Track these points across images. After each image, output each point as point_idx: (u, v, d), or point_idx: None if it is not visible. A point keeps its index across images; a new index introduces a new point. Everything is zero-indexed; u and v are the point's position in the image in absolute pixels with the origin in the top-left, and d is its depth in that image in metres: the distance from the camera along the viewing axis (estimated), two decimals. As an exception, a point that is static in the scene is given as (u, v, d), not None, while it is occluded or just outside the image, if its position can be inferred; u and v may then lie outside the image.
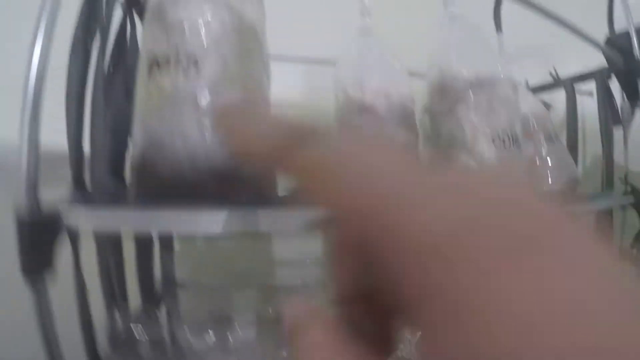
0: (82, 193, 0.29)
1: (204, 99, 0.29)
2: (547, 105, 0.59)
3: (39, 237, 0.23)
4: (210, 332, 0.50)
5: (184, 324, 0.49)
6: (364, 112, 0.46)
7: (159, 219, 0.24)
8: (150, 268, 0.41)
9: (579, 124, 0.64)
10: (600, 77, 0.53)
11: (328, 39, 0.56)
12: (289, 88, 0.64)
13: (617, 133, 0.60)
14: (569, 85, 0.59)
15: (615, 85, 0.56)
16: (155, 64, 0.30)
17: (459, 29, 0.46)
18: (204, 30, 0.30)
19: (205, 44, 0.29)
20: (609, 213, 0.54)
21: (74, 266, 0.29)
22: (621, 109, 0.57)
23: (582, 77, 0.58)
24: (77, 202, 0.26)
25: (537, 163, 0.50)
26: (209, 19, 0.30)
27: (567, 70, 0.63)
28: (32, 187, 0.23)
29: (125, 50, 0.39)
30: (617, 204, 0.44)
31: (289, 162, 0.13)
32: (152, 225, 0.25)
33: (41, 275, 0.23)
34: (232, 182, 0.29)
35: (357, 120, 0.46)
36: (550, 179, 0.50)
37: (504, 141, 0.41)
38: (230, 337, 0.50)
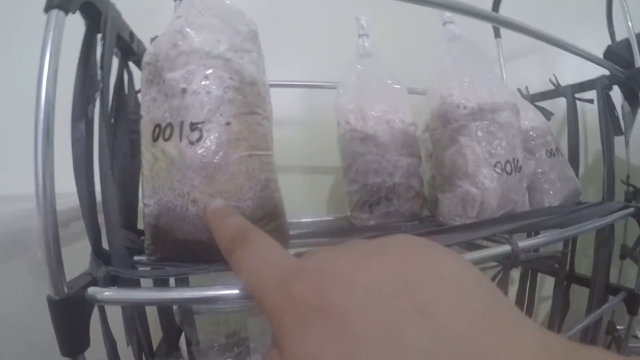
0: (101, 259, 0.29)
1: (210, 161, 0.30)
2: (548, 114, 0.59)
3: (71, 316, 0.24)
4: (228, 357, 0.52)
5: (203, 349, 0.51)
6: (366, 140, 0.46)
7: (181, 296, 0.25)
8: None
9: (580, 125, 0.64)
10: (600, 86, 0.53)
11: (327, 61, 0.56)
12: (289, 107, 0.64)
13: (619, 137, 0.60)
14: (570, 93, 0.58)
15: (615, 89, 0.56)
16: (158, 128, 0.30)
17: (458, 51, 0.46)
18: (204, 94, 0.30)
19: (206, 108, 0.30)
20: (609, 226, 0.55)
21: (103, 328, 0.30)
22: (622, 113, 0.57)
23: (583, 86, 0.57)
24: (99, 276, 0.27)
25: (539, 179, 0.50)
26: (209, 82, 0.30)
27: (567, 73, 0.62)
28: (57, 271, 0.24)
29: (124, 100, 0.39)
30: (618, 218, 0.45)
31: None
32: (175, 302, 0.26)
33: (80, 355, 0.24)
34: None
35: (359, 149, 0.46)
36: (552, 194, 0.50)
37: (505, 167, 0.41)
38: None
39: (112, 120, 0.38)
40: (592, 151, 0.79)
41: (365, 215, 0.46)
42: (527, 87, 0.66)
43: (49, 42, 0.26)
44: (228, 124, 0.30)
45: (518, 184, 0.42)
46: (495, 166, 0.40)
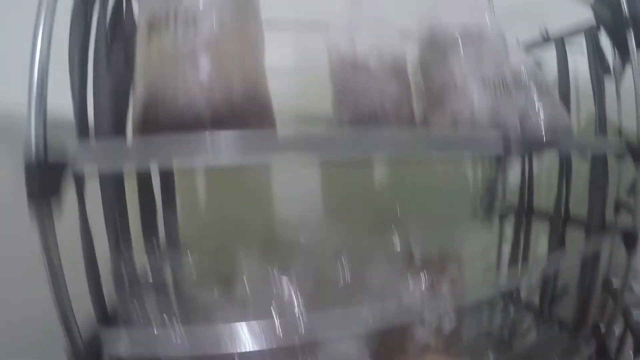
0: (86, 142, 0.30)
1: (203, 56, 0.30)
2: (538, 64, 0.60)
3: (46, 176, 0.24)
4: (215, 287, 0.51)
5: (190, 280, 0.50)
6: (357, 69, 0.47)
7: (164, 147, 0.25)
8: (154, 221, 0.43)
9: (572, 83, 0.65)
10: (589, 32, 0.54)
11: (320, 2, 0.57)
12: (282, 55, 0.65)
13: (609, 88, 0.61)
14: (559, 41, 0.59)
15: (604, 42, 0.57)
16: (155, 24, 0.31)
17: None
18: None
19: (201, 2, 0.30)
20: (603, 162, 0.55)
21: (80, 212, 0.30)
22: (612, 63, 0.57)
23: (572, 33, 0.58)
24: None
25: (529, 112, 0.51)
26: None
27: (557, 26, 0.63)
28: (41, 132, 0.24)
29: (122, 18, 0.40)
30: (612, 150, 0.46)
31: None
32: (157, 154, 0.26)
33: (48, 210, 0.24)
34: (232, 124, 0.31)
35: (350, 79, 0.47)
36: (543, 128, 0.50)
37: (494, 87, 0.42)
38: (234, 292, 0.51)
39: (109, 37, 0.38)
40: (584, 107, 0.78)
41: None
42: (517, 39, 0.67)
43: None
44: (222, 21, 0.31)
45: (508, 105, 0.42)
46: (484, 83, 0.40)
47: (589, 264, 0.55)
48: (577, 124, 0.78)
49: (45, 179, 0.24)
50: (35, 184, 0.24)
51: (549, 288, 0.61)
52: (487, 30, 0.44)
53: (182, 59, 0.30)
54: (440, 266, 0.51)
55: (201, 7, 0.31)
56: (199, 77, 0.30)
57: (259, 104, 0.33)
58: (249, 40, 0.34)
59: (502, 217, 0.70)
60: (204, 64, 0.30)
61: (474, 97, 0.40)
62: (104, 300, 0.32)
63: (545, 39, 0.63)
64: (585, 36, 0.55)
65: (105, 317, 0.32)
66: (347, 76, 0.47)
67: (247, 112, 0.32)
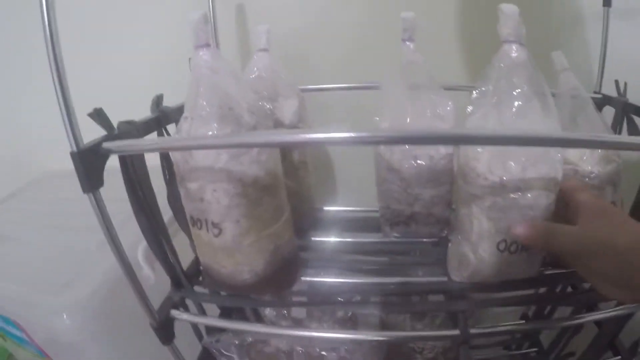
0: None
1: (229, 247, 0.38)
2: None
3: (87, 162, 0.31)
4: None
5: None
6: (391, 171, 0.47)
7: None
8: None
9: None
10: None
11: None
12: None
13: None
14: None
15: None
16: (192, 219, 0.39)
17: (502, 90, 0.36)
18: (215, 203, 0.36)
19: (219, 213, 0.36)
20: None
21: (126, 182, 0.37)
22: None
23: None
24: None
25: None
26: (217, 194, 0.36)
27: None
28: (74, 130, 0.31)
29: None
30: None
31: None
32: None
33: (96, 188, 0.33)
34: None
35: (385, 174, 0.48)
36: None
37: (510, 246, 0.38)
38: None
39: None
40: None
41: (387, 230, 0.51)
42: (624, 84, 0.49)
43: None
44: (237, 221, 0.37)
45: (524, 262, 0.40)
46: (498, 244, 0.38)
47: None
48: None
49: (84, 161, 0.31)
50: (78, 167, 0.31)
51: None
52: (532, 180, 0.36)
53: (217, 250, 0.39)
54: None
55: (221, 217, 0.37)
56: (230, 260, 0.39)
57: (278, 263, 0.41)
58: (263, 220, 0.39)
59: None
60: (231, 254, 0.38)
61: (484, 255, 0.39)
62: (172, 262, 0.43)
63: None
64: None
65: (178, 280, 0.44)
66: (381, 173, 0.49)
67: (269, 273, 0.40)
